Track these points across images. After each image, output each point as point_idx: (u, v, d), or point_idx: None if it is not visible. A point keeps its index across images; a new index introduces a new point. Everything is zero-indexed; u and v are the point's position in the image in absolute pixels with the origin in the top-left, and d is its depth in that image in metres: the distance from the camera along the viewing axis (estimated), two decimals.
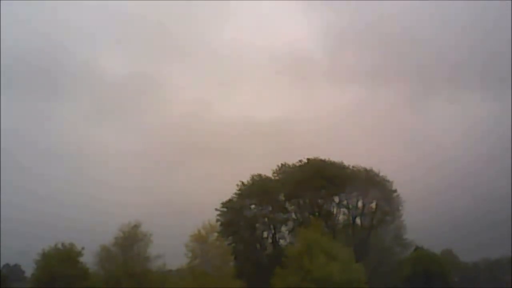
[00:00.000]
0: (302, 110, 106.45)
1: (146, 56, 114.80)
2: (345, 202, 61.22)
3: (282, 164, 63.86)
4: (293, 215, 61.84)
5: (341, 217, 61.85)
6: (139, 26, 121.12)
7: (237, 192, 61.16)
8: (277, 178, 63.17)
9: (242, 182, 61.69)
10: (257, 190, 60.65)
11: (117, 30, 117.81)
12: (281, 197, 61.90)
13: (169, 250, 48.70)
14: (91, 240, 50.94)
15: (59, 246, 48.03)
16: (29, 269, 54.00)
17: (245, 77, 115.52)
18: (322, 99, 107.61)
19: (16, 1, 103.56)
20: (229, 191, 60.75)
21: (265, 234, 62.06)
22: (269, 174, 62.97)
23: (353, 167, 62.05)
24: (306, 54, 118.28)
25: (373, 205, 61.39)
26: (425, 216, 72.82)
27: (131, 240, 46.79)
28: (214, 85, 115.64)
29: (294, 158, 63.03)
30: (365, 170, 61.38)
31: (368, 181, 59.86)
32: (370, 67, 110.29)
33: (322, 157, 62.65)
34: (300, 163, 63.11)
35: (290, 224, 61.27)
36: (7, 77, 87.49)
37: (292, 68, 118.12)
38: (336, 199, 61.33)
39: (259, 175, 62.52)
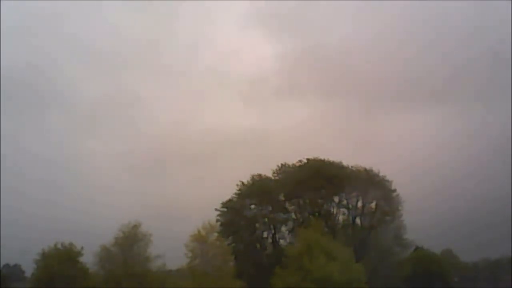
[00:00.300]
0: (275, 121, 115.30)
1: (133, 73, 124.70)
2: (344, 202, 61.25)
3: (282, 164, 63.89)
4: (293, 215, 61.83)
5: (341, 217, 61.92)
6: (127, 45, 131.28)
7: (237, 192, 61.18)
8: (277, 178, 63.18)
9: (242, 182, 61.71)
10: (257, 190, 60.65)
11: (106, 49, 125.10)
12: (281, 197, 61.91)
13: (169, 250, 48.78)
14: (91, 241, 51.01)
15: (59, 246, 47.95)
16: (29, 269, 54.08)
17: (224, 92, 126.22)
18: (292, 112, 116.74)
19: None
20: (221, 192, 62.05)
21: (265, 234, 62.07)
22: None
23: (352, 167, 62.10)
24: (274, 74, 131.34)
25: (373, 205, 61.41)
26: (425, 216, 72.83)
27: (131, 240, 46.72)
28: (196, 99, 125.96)
29: (272, 163, 64.52)
30: (365, 170, 61.38)
31: (367, 181, 59.86)
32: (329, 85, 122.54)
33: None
34: (299, 163, 63.14)
35: (290, 224, 61.28)
36: (7, 90, 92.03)
37: (262, 84, 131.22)
38: (336, 199, 61.37)
39: (259, 175, 62.54)
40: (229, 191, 61.23)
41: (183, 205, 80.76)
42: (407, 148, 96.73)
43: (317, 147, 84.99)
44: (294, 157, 64.00)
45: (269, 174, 63.11)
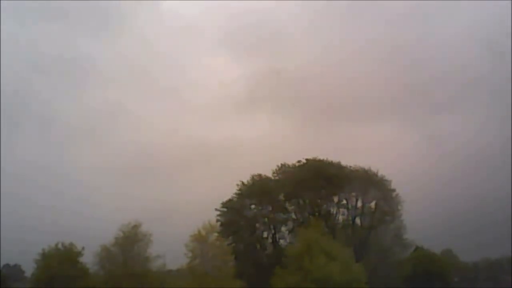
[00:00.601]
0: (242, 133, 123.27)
1: (122, 88, 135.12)
2: (344, 202, 61.27)
3: (281, 164, 63.94)
4: (293, 215, 61.82)
5: (340, 217, 61.90)
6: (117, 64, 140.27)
7: (237, 192, 61.17)
8: (276, 178, 63.19)
9: (242, 182, 61.69)
10: (257, 190, 60.64)
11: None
12: (281, 197, 61.89)
13: (169, 250, 48.83)
14: (92, 241, 51.10)
15: (59, 246, 48.00)
16: (29, 269, 54.18)
17: (204, 106, 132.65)
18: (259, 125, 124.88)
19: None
20: (219, 192, 62.99)
21: (265, 234, 62.04)
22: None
23: (351, 166, 62.09)
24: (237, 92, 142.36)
25: (373, 205, 61.40)
26: (425, 216, 72.98)
27: (131, 240, 46.74)
28: (182, 111, 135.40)
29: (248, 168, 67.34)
30: (364, 170, 61.34)
31: (367, 181, 59.86)
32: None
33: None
34: (299, 163, 63.15)
35: (290, 224, 61.27)
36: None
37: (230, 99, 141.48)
38: (336, 199, 61.36)
39: (259, 175, 62.55)
40: (227, 191, 61.72)
41: (183, 205, 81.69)
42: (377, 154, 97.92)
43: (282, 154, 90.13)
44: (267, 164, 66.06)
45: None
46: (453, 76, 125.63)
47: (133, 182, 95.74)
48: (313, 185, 59.26)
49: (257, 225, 61.17)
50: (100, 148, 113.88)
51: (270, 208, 61.20)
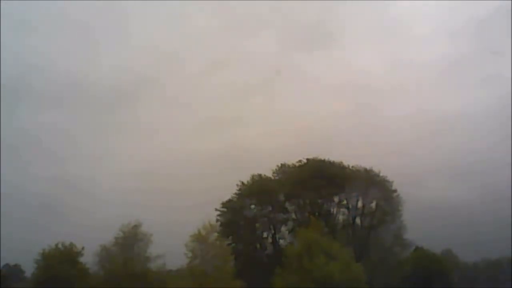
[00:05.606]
0: None
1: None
2: (344, 202, 61.27)
3: (281, 164, 63.94)
4: (293, 215, 61.83)
5: (341, 217, 61.94)
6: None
7: (237, 192, 61.17)
8: (276, 178, 63.16)
9: (242, 182, 61.70)
10: (257, 190, 60.63)
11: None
12: (281, 197, 61.87)
13: (169, 251, 48.83)
14: (91, 240, 51.12)
15: (59, 246, 48.03)
16: (29, 269, 54.24)
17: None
18: None
19: None
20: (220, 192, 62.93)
21: (265, 234, 62.08)
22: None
23: (352, 167, 62.04)
24: None
25: (373, 205, 61.36)
26: (425, 216, 72.99)
27: (131, 240, 46.75)
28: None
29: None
30: (365, 170, 61.31)
31: (368, 181, 59.83)
32: None
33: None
34: (299, 163, 63.13)
35: (290, 224, 61.27)
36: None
37: None
38: (336, 199, 61.37)
39: (259, 175, 62.53)
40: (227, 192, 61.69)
41: (184, 204, 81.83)
42: None
43: None
44: None
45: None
46: None
47: (134, 182, 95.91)
48: (313, 185, 59.17)
49: (257, 225, 61.20)
50: (101, 147, 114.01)
51: (270, 208, 61.21)
